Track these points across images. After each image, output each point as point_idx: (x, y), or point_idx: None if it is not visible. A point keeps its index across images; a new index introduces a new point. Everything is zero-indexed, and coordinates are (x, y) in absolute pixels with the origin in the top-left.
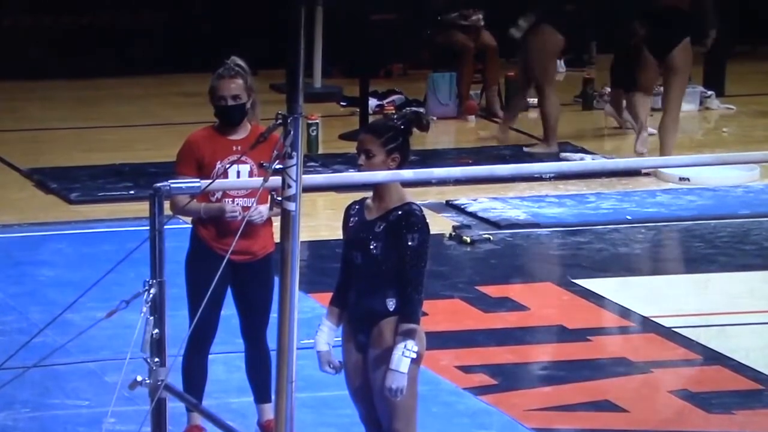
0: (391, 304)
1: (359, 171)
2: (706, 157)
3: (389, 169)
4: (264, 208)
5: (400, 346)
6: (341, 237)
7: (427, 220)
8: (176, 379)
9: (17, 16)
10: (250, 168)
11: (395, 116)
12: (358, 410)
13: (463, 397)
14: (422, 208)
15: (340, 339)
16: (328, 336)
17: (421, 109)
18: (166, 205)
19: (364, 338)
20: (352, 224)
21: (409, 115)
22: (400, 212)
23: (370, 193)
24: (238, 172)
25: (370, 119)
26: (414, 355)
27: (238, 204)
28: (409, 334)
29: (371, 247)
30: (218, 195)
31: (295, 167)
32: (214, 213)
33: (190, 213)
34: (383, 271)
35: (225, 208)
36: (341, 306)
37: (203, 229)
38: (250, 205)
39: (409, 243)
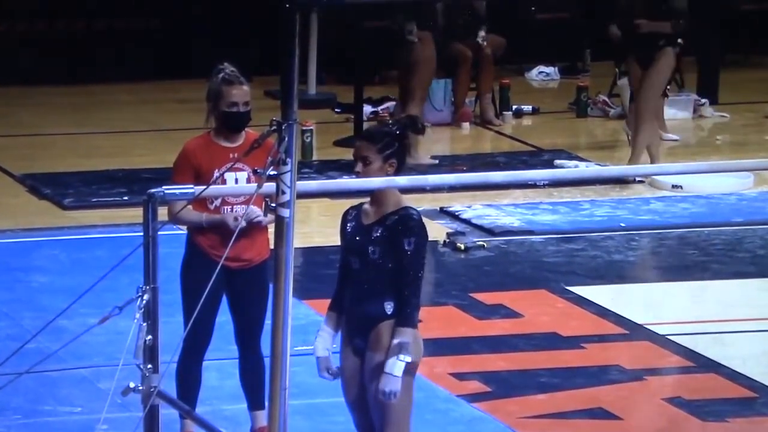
0: (389, 307)
1: (357, 178)
2: (700, 165)
3: (387, 175)
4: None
5: (395, 349)
6: (338, 243)
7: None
8: (169, 386)
9: (11, 22)
10: (248, 175)
11: (391, 122)
12: (353, 417)
13: (457, 404)
14: (419, 212)
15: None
16: (327, 341)
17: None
18: (160, 210)
19: (361, 342)
20: (349, 229)
21: (404, 120)
22: (397, 217)
23: (368, 199)
24: (236, 179)
25: (365, 126)
26: (408, 359)
27: (236, 211)
28: (405, 338)
29: (369, 251)
30: (217, 203)
31: (289, 173)
32: (217, 223)
33: (189, 222)
34: (381, 276)
35: (227, 220)
36: (340, 311)
37: (202, 237)
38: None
39: (406, 247)
